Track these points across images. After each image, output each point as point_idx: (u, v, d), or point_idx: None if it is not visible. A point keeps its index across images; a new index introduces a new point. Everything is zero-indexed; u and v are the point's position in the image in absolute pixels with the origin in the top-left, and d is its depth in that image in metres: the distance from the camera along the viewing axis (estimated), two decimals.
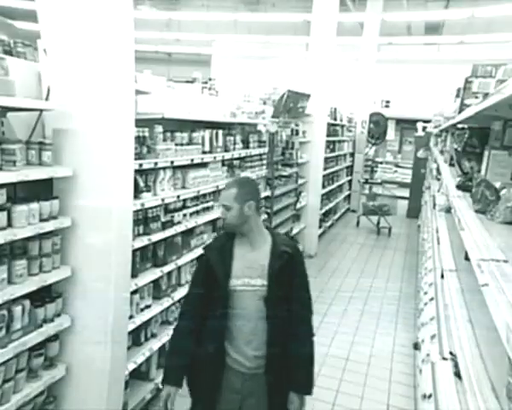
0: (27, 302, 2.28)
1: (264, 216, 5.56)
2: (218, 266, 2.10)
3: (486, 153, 2.37)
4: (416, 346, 3.95)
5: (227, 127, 4.53)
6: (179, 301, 3.69)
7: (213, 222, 4.21)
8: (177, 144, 3.43)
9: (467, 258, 2.02)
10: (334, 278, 6.65)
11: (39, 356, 2.40)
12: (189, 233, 3.74)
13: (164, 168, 3.27)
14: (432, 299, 3.31)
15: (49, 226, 2.34)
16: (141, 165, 2.93)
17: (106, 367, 2.61)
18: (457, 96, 4.14)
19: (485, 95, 2.48)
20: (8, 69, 2.11)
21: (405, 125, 15.92)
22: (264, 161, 5.40)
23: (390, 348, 4.62)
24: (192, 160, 3.63)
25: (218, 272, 2.09)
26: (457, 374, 1.68)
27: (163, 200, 3.23)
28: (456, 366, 1.73)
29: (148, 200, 3.07)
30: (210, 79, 4.77)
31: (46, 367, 2.50)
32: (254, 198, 2.14)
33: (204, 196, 3.96)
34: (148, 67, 3.79)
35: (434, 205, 4.29)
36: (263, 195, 5.41)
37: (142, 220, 3.09)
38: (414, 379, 4.00)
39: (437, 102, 9.89)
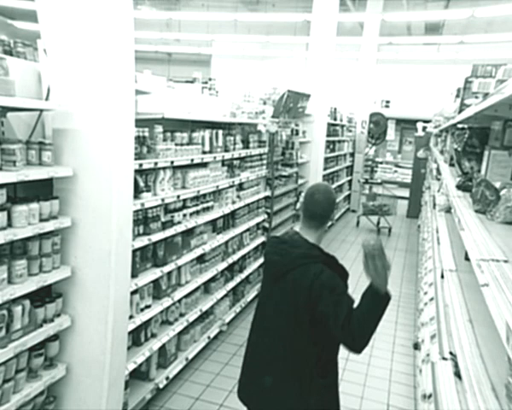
0: (27, 302, 2.28)
1: (265, 216, 5.55)
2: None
3: (486, 153, 2.36)
4: (416, 346, 3.96)
5: (227, 127, 4.53)
6: (179, 301, 3.70)
7: (213, 222, 4.21)
8: (177, 144, 3.43)
9: (467, 258, 2.02)
10: None
11: (39, 356, 2.40)
12: (189, 233, 3.75)
13: (164, 168, 3.27)
14: (432, 299, 3.31)
15: (49, 226, 2.34)
16: (141, 165, 2.93)
17: (106, 367, 2.61)
18: (457, 96, 4.14)
19: (485, 95, 2.48)
20: (8, 69, 2.11)
21: (405, 125, 15.96)
22: (264, 161, 5.40)
23: (390, 348, 4.62)
24: (192, 160, 3.63)
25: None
26: (457, 374, 1.69)
27: (163, 200, 3.23)
28: (456, 366, 1.73)
29: (148, 200, 3.07)
30: (210, 79, 4.77)
31: (46, 367, 2.50)
32: None
33: (204, 196, 3.96)
34: (148, 67, 3.80)
35: (434, 205, 4.29)
36: (263, 195, 5.41)
37: (142, 220, 3.10)
38: (414, 379, 4.00)
39: (437, 102, 9.92)
